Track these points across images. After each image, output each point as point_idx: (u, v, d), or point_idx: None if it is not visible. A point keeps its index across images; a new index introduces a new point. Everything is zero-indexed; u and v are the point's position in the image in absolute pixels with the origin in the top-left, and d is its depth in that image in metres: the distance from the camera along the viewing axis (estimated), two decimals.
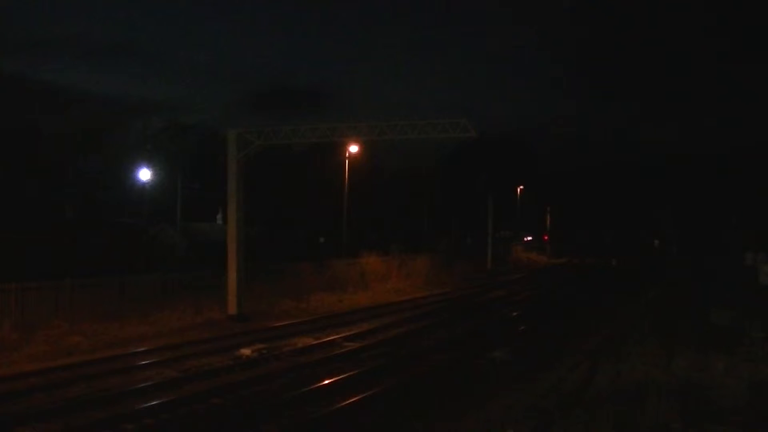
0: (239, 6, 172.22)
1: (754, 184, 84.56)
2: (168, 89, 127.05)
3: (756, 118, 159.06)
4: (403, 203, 78.44)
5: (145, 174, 55.76)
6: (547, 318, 31.48)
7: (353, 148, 49.12)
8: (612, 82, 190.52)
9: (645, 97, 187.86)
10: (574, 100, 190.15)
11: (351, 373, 18.90)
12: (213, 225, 58.21)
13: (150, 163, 57.02)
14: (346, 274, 41.86)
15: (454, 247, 70.55)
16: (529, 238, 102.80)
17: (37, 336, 22.64)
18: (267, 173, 61.01)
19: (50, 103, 53.44)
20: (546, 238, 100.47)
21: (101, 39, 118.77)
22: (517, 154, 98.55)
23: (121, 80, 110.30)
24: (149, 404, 15.42)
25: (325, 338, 24.65)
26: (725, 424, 13.12)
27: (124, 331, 24.88)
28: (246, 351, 21.47)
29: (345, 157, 50.35)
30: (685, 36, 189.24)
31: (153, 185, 57.53)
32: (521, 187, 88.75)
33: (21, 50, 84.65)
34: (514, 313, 33.10)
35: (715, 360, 18.43)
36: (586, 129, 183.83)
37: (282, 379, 18.65)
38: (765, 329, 22.67)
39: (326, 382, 17.78)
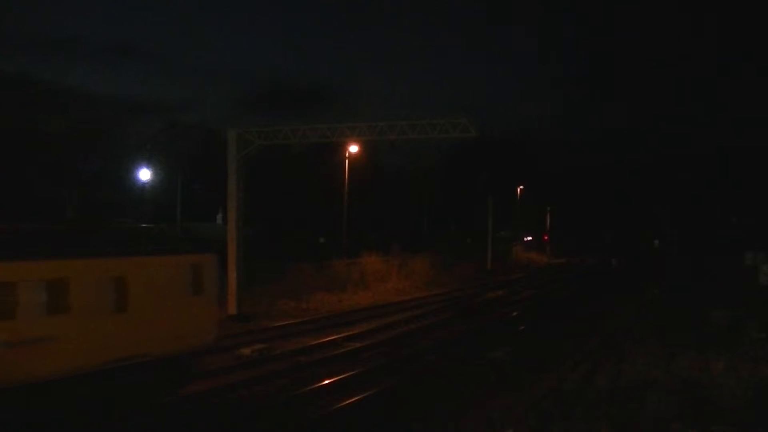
0: (240, 6, 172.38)
1: (754, 184, 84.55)
2: (168, 89, 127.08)
3: (756, 118, 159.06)
4: (403, 203, 78.38)
5: (145, 174, 55.70)
6: (547, 318, 31.47)
7: (353, 148, 49.06)
8: (612, 82, 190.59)
9: (645, 97, 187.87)
10: (573, 101, 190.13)
11: (351, 373, 18.91)
12: (213, 225, 58.13)
13: (150, 163, 56.96)
14: (346, 275, 41.82)
15: (454, 247, 70.48)
16: (529, 238, 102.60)
17: None
18: (267, 173, 60.98)
19: (52, 103, 53.44)
20: (546, 238, 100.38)
21: (102, 39, 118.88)
22: (517, 154, 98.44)
23: (121, 80, 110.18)
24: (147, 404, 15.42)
25: (325, 338, 24.63)
26: (725, 424, 13.10)
27: None
28: (246, 351, 21.45)
29: (345, 157, 50.30)
30: (685, 35, 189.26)
31: (153, 185, 57.48)
32: (521, 187, 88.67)
33: (24, 50, 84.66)
34: (514, 313, 33.10)
35: (715, 360, 18.41)
36: (585, 129, 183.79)
37: (282, 379, 18.66)
38: (765, 329, 22.67)
39: (326, 382, 17.79)
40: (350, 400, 16.07)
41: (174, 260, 18.04)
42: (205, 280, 18.49)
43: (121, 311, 15.97)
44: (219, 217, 56.89)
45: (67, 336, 14.61)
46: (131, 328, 16.08)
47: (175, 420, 14.82)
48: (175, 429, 14.40)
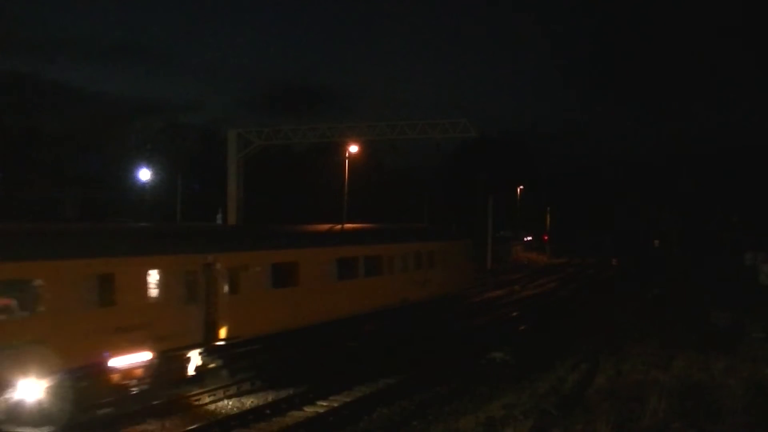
0: (241, 6, 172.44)
1: (754, 184, 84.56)
2: (169, 89, 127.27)
3: (756, 118, 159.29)
4: (403, 203, 78.31)
5: (145, 174, 55.65)
6: (548, 318, 31.47)
7: (353, 148, 48.99)
8: (612, 82, 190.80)
9: (645, 97, 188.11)
10: (574, 101, 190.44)
11: (351, 372, 18.90)
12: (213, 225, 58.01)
13: (150, 163, 56.92)
14: None
15: None
16: (529, 238, 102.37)
17: None
18: (267, 173, 60.99)
19: (52, 103, 53.49)
20: (546, 238, 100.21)
21: (104, 40, 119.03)
22: (517, 154, 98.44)
23: (123, 80, 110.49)
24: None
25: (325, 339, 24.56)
26: (725, 424, 13.09)
27: None
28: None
29: (345, 157, 50.25)
30: (685, 36, 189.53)
31: (153, 185, 57.44)
32: (521, 187, 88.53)
33: (26, 51, 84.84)
34: (514, 313, 33.09)
35: (715, 360, 18.41)
36: (586, 129, 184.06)
37: None
38: (765, 329, 22.67)
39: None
40: (350, 400, 16.07)
41: (455, 243, 31.10)
42: (467, 253, 32.52)
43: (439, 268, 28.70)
44: (219, 217, 56.83)
45: (425, 281, 27.35)
46: (444, 278, 29.02)
47: None
48: None
